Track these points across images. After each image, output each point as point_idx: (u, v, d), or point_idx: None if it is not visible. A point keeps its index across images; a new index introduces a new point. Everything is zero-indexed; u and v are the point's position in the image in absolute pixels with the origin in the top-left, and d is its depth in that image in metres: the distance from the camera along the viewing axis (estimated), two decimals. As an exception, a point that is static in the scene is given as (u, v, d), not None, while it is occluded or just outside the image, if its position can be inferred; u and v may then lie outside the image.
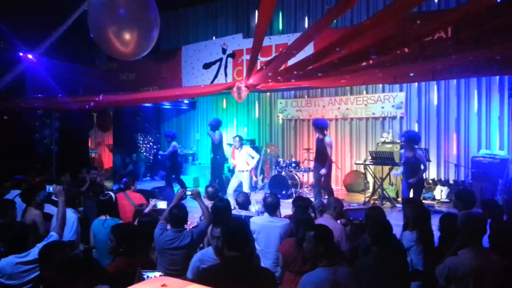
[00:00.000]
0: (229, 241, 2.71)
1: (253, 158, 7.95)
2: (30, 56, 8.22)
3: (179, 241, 3.49)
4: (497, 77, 8.13)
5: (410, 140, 6.68)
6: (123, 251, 3.12)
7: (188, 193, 4.15)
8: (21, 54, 8.26)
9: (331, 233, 2.92)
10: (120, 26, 4.77)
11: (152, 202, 4.80)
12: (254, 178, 8.58)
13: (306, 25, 10.31)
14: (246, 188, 8.03)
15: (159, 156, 10.95)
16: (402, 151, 7.05)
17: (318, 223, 3.46)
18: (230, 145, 9.66)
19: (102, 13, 4.82)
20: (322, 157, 7.22)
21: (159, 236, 3.53)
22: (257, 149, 10.83)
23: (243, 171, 7.98)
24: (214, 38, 10.57)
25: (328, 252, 2.76)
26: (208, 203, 4.59)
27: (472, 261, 2.74)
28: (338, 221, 4.38)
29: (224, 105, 12.22)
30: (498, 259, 2.85)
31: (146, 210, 4.57)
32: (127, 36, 4.81)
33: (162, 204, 4.74)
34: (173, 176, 9.12)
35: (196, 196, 4.05)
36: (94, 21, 4.94)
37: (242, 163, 7.98)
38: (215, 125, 9.01)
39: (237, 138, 8.18)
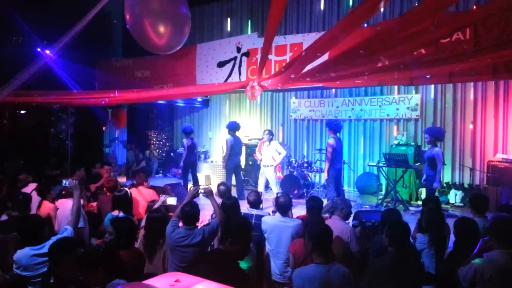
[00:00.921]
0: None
1: (280, 154, 7.94)
2: (47, 51, 8.35)
3: (190, 238, 3.51)
4: (516, 80, 7.97)
5: (434, 137, 6.77)
6: (123, 244, 3.17)
7: (201, 191, 4.19)
8: (39, 49, 8.39)
9: (326, 233, 2.95)
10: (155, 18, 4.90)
11: (162, 198, 4.84)
12: (279, 175, 8.50)
13: (322, 26, 10.26)
14: (273, 184, 8.02)
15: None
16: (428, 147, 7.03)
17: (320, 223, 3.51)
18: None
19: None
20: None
21: (170, 233, 3.55)
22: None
23: (268, 166, 8.01)
24: (229, 36, 10.58)
25: (319, 250, 2.81)
26: (220, 201, 4.60)
27: (502, 263, 2.68)
28: (350, 222, 4.36)
29: (237, 104, 12.23)
30: None
31: (156, 206, 4.62)
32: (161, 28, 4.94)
33: (171, 200, 4.78)
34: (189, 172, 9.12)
35: (209, 194, 4.08)
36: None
37: (269, 158, 7.99)
38: (229, 128, 8.75)
39: (267, 132, 8.15)
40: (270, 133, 8.21)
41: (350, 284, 2.84)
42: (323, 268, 2.76)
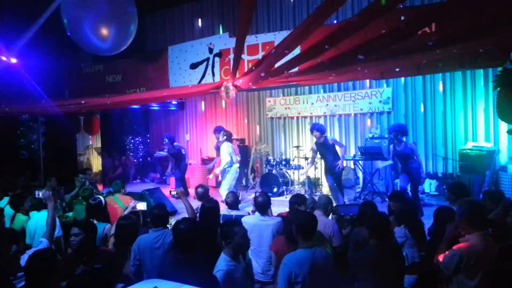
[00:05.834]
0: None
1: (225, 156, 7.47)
2: (14, 60, 8.03)
3: (162, 239, 3.47)
4: (482, 70, 8.23)
5: (399, 132, 6.77)
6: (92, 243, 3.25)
7: (173, 192, 4.26)
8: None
9: (312, 220, 3.08)
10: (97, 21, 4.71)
11: (132, 203, 4.76)
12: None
13: (292, 23, 10.33)
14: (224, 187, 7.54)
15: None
16: (391, 146, 7.09)
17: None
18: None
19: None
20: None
21: (144, 237, 3.52)
22: (246, 148, 10.81)
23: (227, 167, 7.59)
24: (200, 37, 10.51)
25: (304, 235, 2.98)
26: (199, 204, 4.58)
27: (483, 245, 2.73)
28: (330, 217, 4.43)
29: (213, 105, 12.18)
30: (494, 243, 2.87)
31: (126, 212, 4.56)
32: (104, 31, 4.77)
33: (141, 206, 4.74)
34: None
35: (181, 195, 4.21)
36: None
37: (225, 158, 7.54)
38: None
39: (222, 133, 7.81)
40: (222, 133, 7.80)
41: (331, 265, 3.05)
42: (309, 251, 2.92)
